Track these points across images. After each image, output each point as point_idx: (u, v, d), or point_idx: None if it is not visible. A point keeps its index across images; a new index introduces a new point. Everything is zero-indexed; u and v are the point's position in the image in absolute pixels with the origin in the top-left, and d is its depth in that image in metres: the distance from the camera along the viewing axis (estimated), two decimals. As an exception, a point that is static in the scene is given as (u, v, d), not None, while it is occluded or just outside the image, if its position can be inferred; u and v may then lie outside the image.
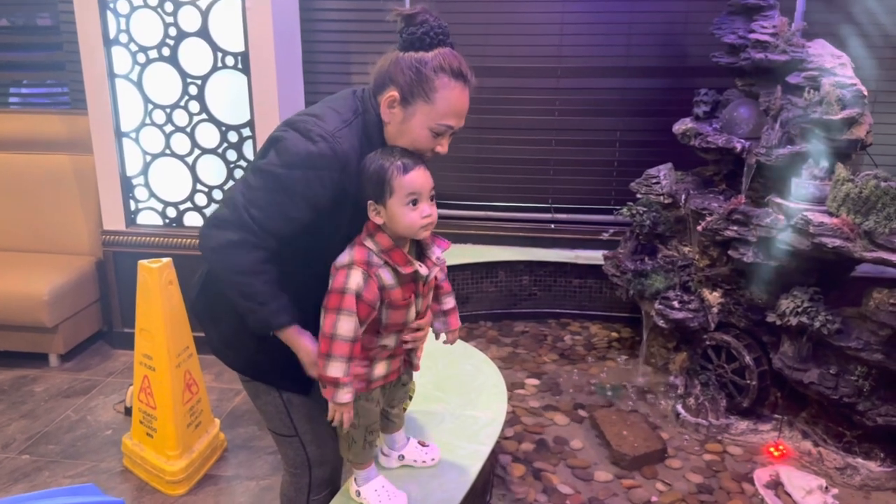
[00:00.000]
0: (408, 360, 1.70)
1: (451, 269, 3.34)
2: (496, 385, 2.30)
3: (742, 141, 2.66)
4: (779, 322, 2.45)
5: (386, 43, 3.84)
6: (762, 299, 2.60)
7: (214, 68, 3.23)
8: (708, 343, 2.73)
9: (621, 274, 3.02)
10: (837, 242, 2.26)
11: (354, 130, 1.49)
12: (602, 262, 3.17)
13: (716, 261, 2.77)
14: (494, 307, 3.54)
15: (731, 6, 2.83)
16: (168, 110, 3.32)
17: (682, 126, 2.91)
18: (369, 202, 1.49)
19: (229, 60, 3.22)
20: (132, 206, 3.50)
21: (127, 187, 3.46)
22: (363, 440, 1.66)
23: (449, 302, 1.71)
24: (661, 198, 2.98)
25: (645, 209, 2.98)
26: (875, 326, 2.30)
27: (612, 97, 3.54)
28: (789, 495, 2.30)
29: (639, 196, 3.05)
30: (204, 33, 3.19)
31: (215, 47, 3.20)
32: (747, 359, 2.59)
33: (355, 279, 1.48)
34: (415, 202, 1.47)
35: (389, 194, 1.46)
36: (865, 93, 2.46)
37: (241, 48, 3.18)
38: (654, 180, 3.00)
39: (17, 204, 3.72)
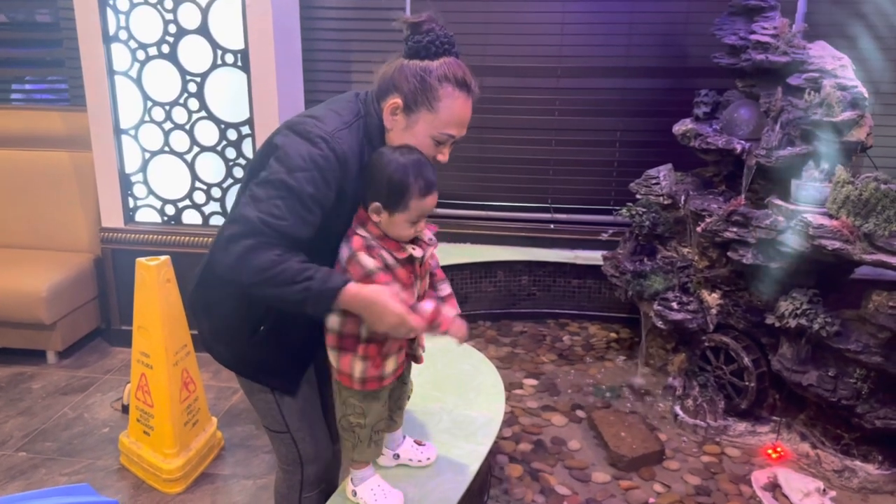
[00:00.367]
0: (410, 355, 1.70)
1: (450, 268, 3.34)
2: (494, 385, 2.30)
3: (742, 142, 2.66)
4: (778, 324, 2.45)
5: (385, 41, 3.86)
6: (761, 301, 2.59)
7: (214, 66, 3.23)
8: (707, 344, 2.73)
9: (620, 274, 3.02)
10: (837, 245, 2.25)
11: (354, 132, 1.49)
12: (601, 263, 3.17)
13: (715, 262, 2.77)
14: (493, 307, 3.54)
15: (731, 7, 2.82)
16: (167, 107, 3.32)
17: (682, 127, 2.91)
18: (374, 203, 1.49)
19: (229, 58, 3.21)
20: (131, 203, 3.49)
21: (126, 184, 3.45)
22: (369, 439, 1.66)
23: (445, 289, 1.72)
24: (661, 199, 2.97)
25: (644, 210, 2.97)
26: (874, 329, 2.29)
27: (613, 97, 3.53)
28: (787, 497, 2.29)
29: (638, 197, 3.04)
30: (204, 31, 3.18)
31: (215, 45, 3.20)
32: (746, 360, 2.59)
33: (367, 260, 1.49)
34: (416, 221, 1.51)
35: (402, 209, 1.48)
36: (866, 95, 2.45)
37: (241, 46, 3.18)
38: (654, 181, 3.00)
39: (15, 200, 3.71)
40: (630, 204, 3.04)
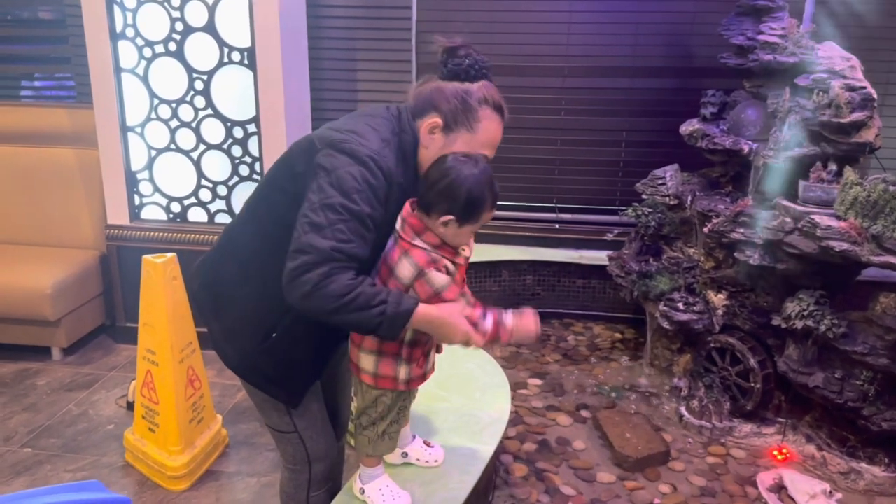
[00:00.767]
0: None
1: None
2: (499, 385, 2.29)
3: (750, 143, 2.65)
4: (784, 325, 2.44)
5: (391, 40, 3.85)
6: (768, 302, 2.59)
7: (220, 64, 3.23)
8: (712, 345, 2.72)
9: (626, 275, 3.01)
10: (845, 246, 2.25)
11: (392, 149, 1.50)
12: (606, 263, 3.17)
13: (721, 263, 2.76)
14: (498, 306, 3.52)
15: (739, 7, 2.82)
16: (174, 105, 3.32)
17: (689, 127, 2.90)
18: (448, 216, 1.48)
19: (235, 56, 3.21)
20: (136, 200, 3.49)
21: (131, 182, 3.46)
22: (384, 433, 1.66)
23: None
24: (667, 199, 2.97)
25: (650, 210, 2.97)
26: (881, 331, 2.29)
27: (619, 97, 3.53)
28: (793, 499, 2.29)
29: (644, 197, 3.04)
30: (210, 28, 3.18)
31: (222, 43, 3.20)
32: (752, 362, 2.58)
33: (439, 278, 1.49)
34: (478, 230, 1.55)
35: (473, 221, 1.50)
36: (875, 96, 2.44)
37: (248, 44, 3.18)
38: (660, 181, 2.99)
39: (21, 197, 3.72)
40: (636, 204, 3.03)
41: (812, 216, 2.34)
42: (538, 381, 2.98)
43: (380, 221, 1.47)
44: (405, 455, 1.83)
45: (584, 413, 2.77)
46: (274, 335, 1.59)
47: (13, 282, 3.33)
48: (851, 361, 2.35)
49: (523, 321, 1.56)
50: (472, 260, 3.13)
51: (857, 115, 2.40)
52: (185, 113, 3.32)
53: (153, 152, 3.41)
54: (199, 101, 3.29)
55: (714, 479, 2.42)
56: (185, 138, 3.36)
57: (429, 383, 2.24)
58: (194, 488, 2.56)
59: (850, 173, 2.33)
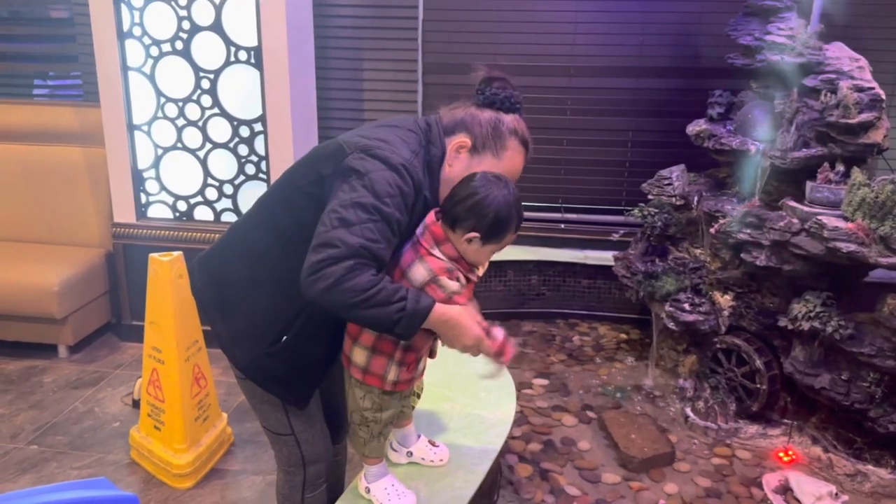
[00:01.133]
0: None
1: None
2: (504, 385, 2.29)
3: (756, 143, 2.64)
4: (790, 326, 2.44)
5: (397, 39, 3.85)
6: (774, 303, 2.58)
7: (227, 63, 3.23)
8: (718, 346, 2.72)
9: (631, 275, 3.01)
10: (852, 247, 2.24)
11: (420, 161, 1.52)
12: (611, 263, 3.16)
13: (728, 263, 2.75)
14: (503, 306, 3.53)
15: (747, 7, 2.81)
16: (180, 104, 3.33)
17: (695, 127, 2.89)
18: (474, 233, 1.50)
19: (242, 55, 3.22)
20: (143, 199, 3.50)
21: (138, 180, 3.47)
22: (381, 435, 1.67)
23: None
24: (673, 199, 2.96)
25: (656, 210, 2.96)
26: (888, 332, 2.28)
27: (625, 97, 3.52)
28: (798, 501, 2.28)
29: (650, 197, 3.03)
30: (217, 27, 3.19)
31: (228, 42, 3.20)
32: (758, 363, 2.58)
33: (450, 284, 1.51)
34: (499, 250, 1.57)
35: (496, 241, 1.53)
36: (883, 96, 2.43)
37: (255, 43, 3.18)
38: (667, 181, 2.99)
39: (28, 195, 3.73)
40: (642, 204, 3.02)
41: (819, 217, 2.33)
42: (543, 382, 2.98)
43: (403, 229, 1.49)
44: (410, 454, 1.83)
45: (590, 413, 2.76)
46: (285, 338, 1.59)
47: (20, 279, 3.34)
48: (858, 363, 2.34)
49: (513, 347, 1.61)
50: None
51: (866, 116, 2.39)
52: (192, 112, 3.33)
53: (160, 151, 3.41)
54: (206, 100, 3.30)
55: (719, 480, 2.42)
56: (192, 137, 3.37)
57: (434, 383, 2.25)
58: (199, 486, 2.57)
59: (857, 174, 2.32)
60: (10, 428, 2.88)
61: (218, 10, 3.16)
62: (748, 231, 2.56)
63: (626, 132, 3.57)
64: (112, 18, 3.22)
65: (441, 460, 1.84)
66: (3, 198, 3.75)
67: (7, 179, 3.74)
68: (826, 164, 2.45)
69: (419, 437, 1.85)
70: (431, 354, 1.73)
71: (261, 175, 3.37)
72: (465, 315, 1.50)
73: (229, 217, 3.46)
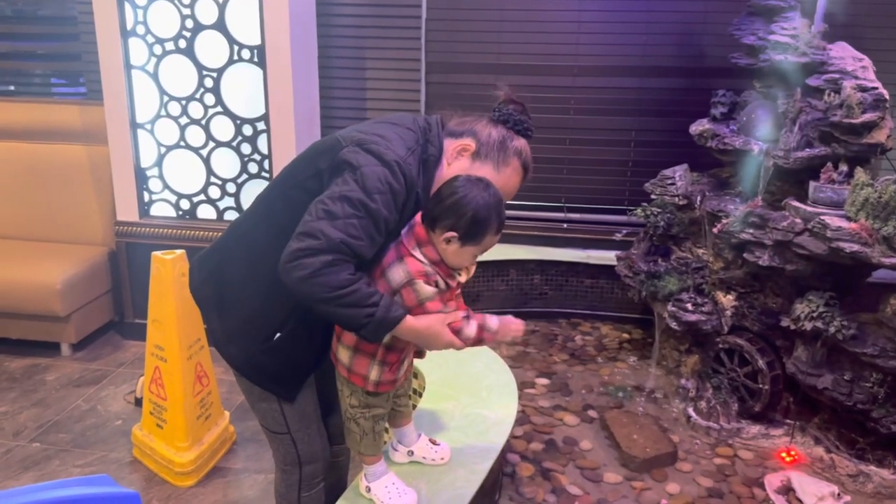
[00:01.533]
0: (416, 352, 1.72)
1: (463, 266, 3.33)
2: (506, 384, 2.29)
3: (760, 143, 2.64)
4: (793, 326, 2.43)
5: (401, 38, 3.84)
6: (776, 303, 2.58)
7: (230, 61, 3.24)
8: (721, 346, 2.71)
9: (634, 275, 3.00)
10: (855, 247, 2.23)
11: (415, 158, 1.52)
12: (614, 263, 3.16)
13: (730, 263, 2.75)
14: (505, 306, 3.53)
15: (750, 7, 2.80)
16: (183, 102, 3.33)
17: (699, 127, 2.89)
18: (451, 233, 1.49)
19: (245, 54, 3.22)
20: (146, 197, 3.51)
21: (141, 179, 3.47)
22: (372, 431, 1.67)
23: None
24: (676, 199, 2.96)
25: (659, 210, 2.96)
26: (891, 333, 2.27)
27: (628, 97, 3.52)
28: (800, 501, 2.28)
29: (653, 197, 3.03)
30: (220, 26, 3.19)
31: (231, 40, 3.21)
32: (760, 363, 2.57)
33: (426, 289, 1.50)
34: (480, 254, 1.57)
35: (475, 243, 1.51)
36: (887, 96, 2.43)
37: (258, 41, 3.19)
38: (670, 181, 2.98)
39: (31, 193, 3.74)
40: (645, 204, 3.02)
41: (822, 217, 2.32)
42: (545, 381, 2.98)
43: (391, 227, 1.49)
44: (411, 453, 1.83)
45: (591, 413, 2.76)
46: (278, 335, 1.59)
47: (23, 277, 3.35)
48: (861, 363, 2.34)
49: (506, 321, 1.63)
50: (479, 259, 3.16)
51: (869, 116, 2.39)
52: (195, 110, 3.33)
53: (163, 149, 3.42)
54: (209, 99, 3.30)
55: (721, 480, 2.41)
56: (195, 135, 3.37)
57: (436, 383, 2.25)
58: (201, 484, 2.57)
59: (860, 174, 2.32)
60: (13, 425, 2.89)
61: (221, 8, 3.16)
62: (751, 231, 2.56)
63: (630, 132, 3.56)
64: (115, 17, 3.22)
65: (442, 459, 1.84)
66: (7, 196, 3.76)
67: (10, 177, 3.74)
68: (829, 164, 2.44)
69: (420, 435, 1.85)
70: (420, 355, 1.73)
71: (264, 174, 3.38)
72: (433, 325, 1.51)
73: (232, 215, 3.47)
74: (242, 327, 1.63)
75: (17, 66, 4.06)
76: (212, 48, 3.23)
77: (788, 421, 2.62)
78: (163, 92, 3.33)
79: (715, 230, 2.69)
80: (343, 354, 1.61)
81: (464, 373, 2.34)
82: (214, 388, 2.71)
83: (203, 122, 3.34)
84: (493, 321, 1.60)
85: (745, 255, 2.60)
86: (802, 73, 2.57)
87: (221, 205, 3.47)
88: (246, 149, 3.36)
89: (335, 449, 1.91)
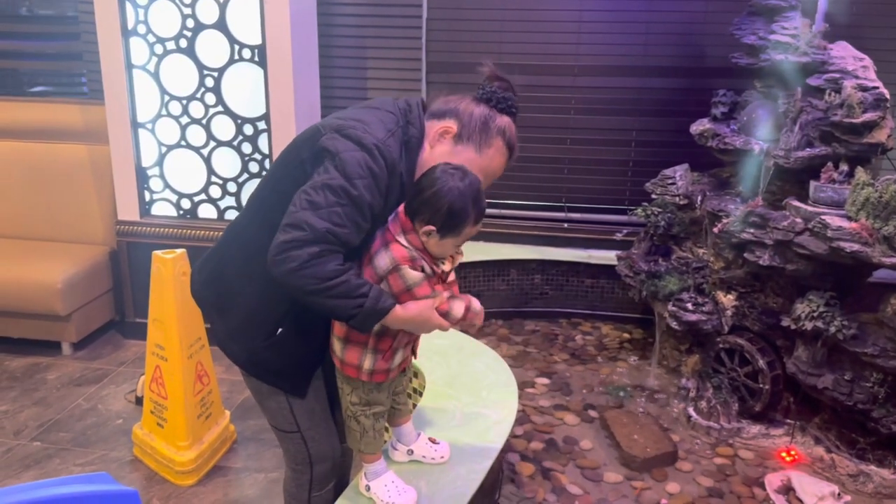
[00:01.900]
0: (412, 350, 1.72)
1: (463, 266, 3.32)
2: (507, 383, 2.29)
3: (760, 143, 2.64)
4: (794, 326, 2.43)
5: (402, 38, 3.84)
6: (777, 303, 2.58)
7: (231, 61, 3.24)
8: (721, 346, 2.71)
9: (635, 275, 3.00)
10: (856, 247, 2.23)
11: (396, 141, 1.52)
12: (615, 263, 3.16)
13: (731, 263, 2.75)
14: (506, 305, 3.53)
15: (751, 7, 2.80)
16: (184, 102, 3.33)
17: (699, 127, 2.89)
18: (429, 226, 1.49)
19: (246, 53, 3.22)
20: (147, 196, 3.51)
21: (142, 178, 3.47)
22: (372, 429, 1.67)
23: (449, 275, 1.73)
24: (677, 199, 2.96)
25: (660, 210, 2.96)
26: (892, 333, 2.27)
27: (629, 96, 3.52)
28: (801, 501, 2.28)
29: (654, 197, 3.03)
30: (221, 25, 3.19)
31: (232, 40, 3.21)
32: (761, 363, 2.57)
33: (412, 274, 1.50)
34: (462, 244, 1.56)
35: (454, 235, 1.51)
36: (887, 96, 2.43)
37: (258, 41, 3.19)
38: (670, 181, 2.98)
39: (32, 192, 3.74)
40: (645, 204, 3.02)
41: (823, 217, 2.32)
42: (546, 381, 2.98)
43: (377, 212, 1.49)
44: (411, 452, 1.83)
45: (592, 413, 2.76)
46: (280, 330, 1.60)
47: (24, 277, 3.36)
48: (861, 363, 2.34)
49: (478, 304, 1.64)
50: (480, 259, 3.15)
51: (870, 116, 2.38)
52: (196, 110, 3.33)
53: (164, 149, 3.42)
54: (210, 98, 3.30)
55: (722, 480, 2.41)
56: (196, 135, 3.37)
57: (437, 382, 2.25)
58: (202, 483, 2.57)
59: (861, 174, 2.31)
60: (14, 424, 2.89)
61: (222, 8, 3.16)
62: (751, 231, 2.56)
63: (630, 131, 3.56)
64: (116, 16, 3.23)
65: (442, 458, 1.84)
66: (8, 195, 3.76)
67: (11, 177, 3.75)
68: (830, 164, 2.44)
69: (419, 434, 1.85)
70: (414, 353, 1.73)
71: (264, 173, 3.37)
72: (423, 312, 1.51)
73: (233, 215, 3.47)
74: (243, 325, 1.63)
75: (18, 65, 4.06)
76: (213, 48, 3.24)
77: (789, 421, 2.62)
78: (164, 91, 3.33)
79: (715, 230, 2.69)
80: (336, 346, 1.62)
81: (464, 372, 2.34)
82: (215, 387, 2.71)
83: (204, 121, 3.34)
84: (476, 302, 1.62)
85: (745, 254, 2.60)
86: (803, 73, 2.57)
87: (222, 204, 3.47)
88: (247, 148, 3.36)
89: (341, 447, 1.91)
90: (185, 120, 3.36)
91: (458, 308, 1.56)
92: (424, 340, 1.74)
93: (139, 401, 2.95)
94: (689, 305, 2.76)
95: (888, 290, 2.36)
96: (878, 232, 2.21)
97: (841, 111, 2.41)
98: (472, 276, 3.44)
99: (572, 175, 3.65)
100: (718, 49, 3.25)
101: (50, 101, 3.93)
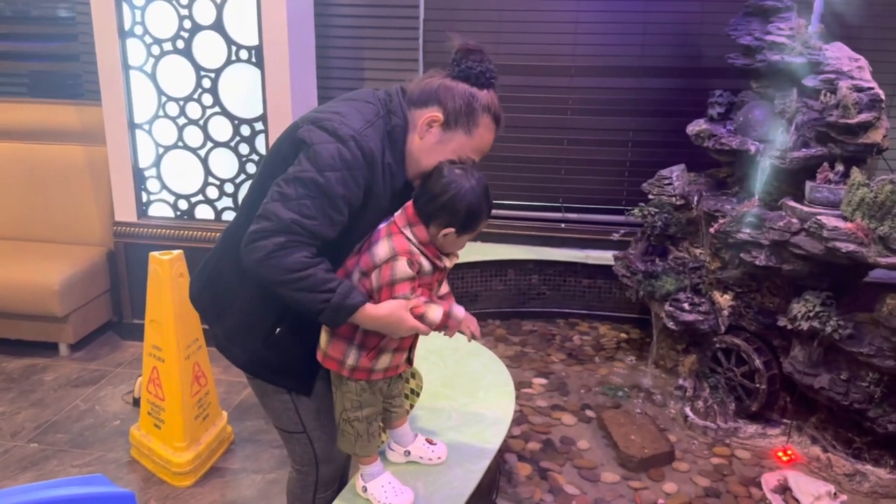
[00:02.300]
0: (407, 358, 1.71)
1: (460, 266, 3.33)
2: (504, 384, 2.29)
3: (756, 143, 2.64)
4: (790, 326, 2.44)
5: (399, 38, 3.84)
6: (773, 303, 2.58)
7: (228, 62, 3.24)
8: (718, 346, 2.72)
9: (631, 275, 3.01)
10: (851, 247, 2.24)
11: (377, 131, 1.51)
12: (612, 263, 3.16)
13: (727, 263, 2.75)
14: (503, 306, 3.53)
15: (747, 7, 2.81)
16: (181, 103, 3.33)
17: (696, 127, 2.89)
18: (448, 229, 1.51)
19: (243, 54, 3.22)
20: (144, 197, 3.51)
21: (139, 179, 3.47)
22: (366, 432, 1.67)
23: (443, 287, 1.73)
24: (674, 199, 2.96)
25: (657, 210, 2.96)
26: (888, 332, 2.28)
27: (626, 97, 3.52)
28: (797, 501, 2.28)
29: (651, 197, 3.03)
30: (218, 26, 3.19)
31: (229, 41, 3.21)
32: (757, 362, 2.58)
33: (403, 269, 1.51)
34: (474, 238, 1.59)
35: (470, 231, 1.54)
36: (883, 96, 2.43)
37: (255, 42, 3.19)
38: (667, 181, 2.99)
39: (29, 194, 3.74)
40: (642, 204, 3.03)
41: (819, 217, 2.33)
42: (543, 381, 2.98)
43: (355, 203, 1.48)
44: (408, 453, 1.83)
45: (589, 413, 2.77)
46: (279, 329, 1.60)
47: (21, 278, 3.35)
48: (857, 363, 2.34)
49: (469, 316, 1.64)
50: (478, 259, 3.17)
51: (865, 116, 2.39)
52: (193, 110, 3.33)
53: (161, 150, 3.42)
54: (207, 99, 3.30)
55: (718, 479, 2.42)
56: (193, 136, 3.37)
57: (434, 382, 2.25)
58: (199, 484, 2.57)
59: (857, 174, 2.32)
60: (11, 426, 2.89)
61: (219, 8, 3.16)
62: (748, 231, 2.56)
63: (627, 132, 3.57)
64: (113, 17, 3.22)
65: (439, 458, 1.84)
66: (5, 196, 3.76)
67: (8, 178, 3.74)
68: (825, 164, 2.45)
69: (416, 435, 1.85)
70: (409, 360, 1.72)
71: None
72: (395, 312, 1.49)
73: (230, 216, 3.47)
74: (241, 326, 1.63)
75: (15, 66, 4.06)
76: (210, 49, 3.24)
77: (785, 420, 2.62)
78: (161, 92, 3.33)
79: (712, 230, 2.70)
80: (322, 338, 1.62)
81: (461, 373, 2.35)
82: (212, 388, 2.71)
83: (201, 122, 3.34)
84: (459, 310, 1.63)
85: (741, 254, 2.61)
86: (799, 74, 2.58)
87: (219, 205, 3.47)
88: (244, 149, 3.36)
89: None
90: (182, 121, 3.36)
91: (433, 312, 1.54)
92: (421, 341, 1.73)
93: (136, 402, 2.95)
94: (686, 305, 2.76)
95: (884, 290, 2.37)
96: (874, 232, 2.22)
97: (836, 112, 2.42)
98: (470, 277, 3.45)
99: (569, 175, 3.66)
100: (715, 50, 3.25)
101: (47, 102, 3.92)
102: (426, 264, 1.55)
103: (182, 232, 3.45)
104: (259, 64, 3.21)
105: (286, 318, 1.59)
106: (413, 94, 1.56)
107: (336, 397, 1.67)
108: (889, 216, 2.20)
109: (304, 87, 3.39)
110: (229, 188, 3.43)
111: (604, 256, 3.37)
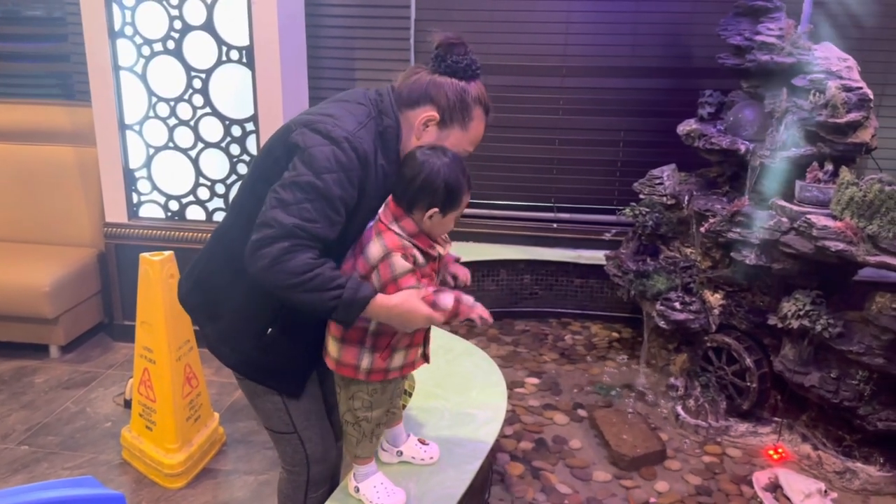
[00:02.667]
0: (423, 354, 1.71)
1: (453, 266, 3.33)
2: (496, 383, 2.30)
3: (746, 143, 2.66)
4: (780, 325, 2.45)
5: (390, 39, 3.83)
6: (764, 302, 2.59)
7: (219, 62, 3.23)
8: (709, 345, 2.73)
9: (623, 274, 3.02)
10: (841, 246, 2.25)
11: (369, 132, 1.51)
12: (604, 263, 3.17)
13: (718, 262, 2.77)
14: (495, 306, 3.53)
15: (737, 8, 2.82)
16: (172, 103, 3.32)
17: (686, 127, 2.90)
18: (433, 209, 1.51)
19: (234, 54, 3.21)
20: (134, 198, 3.49)
21: (130, 180, 3.46)
22: (372, 433, 1.67)
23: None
24: (664, 198, 2.97)
25: (648, 210, 2.97)
26: (877, 331, 2.29)
27: (617, 97, 3.53)
28: (788, 498, 2.29)
29: (642, 196, 3.04)
30: (209, 27, 3.18)
31: (220, 41, 3.20)
32: (748, 361, 2.59)
33: (401, 263, 1.50)
34: (460, 214, 1.58)
35: (454, 208, 1.54)
36: (871, 96, 2.45)
37: (246, 42, 3.18)
38: (658, 181, 3.00)
39: (20, 195, 3.72)
40: (633, 204, 3.04)
41: (808, 216, 2.34)
42: (535, 380, 2.99)
43: (351, 204, 1.48)
44: (400, 454, 1.83)
45: (581, 412, 2.77)
46: (270, 330, 1.59)
47: (11, 279, 3.33)
48: (847, 361, 2.36)
49: (478, 305, 1.61)
50: (470, 259, 3.15)
51: (854, 116, 2.41)
52: (184, 111, 3.32)
53: (151, 150, 3.41)
54: (198, 100, 3.29)
55: (710, 478, 2.43)
56: (184, 136, 3.36)
57: (426, 382, 2.25)
58: (191, 486, 2.56)
59: (846, 173, 2.34)
60: (2, 428, 2.88)
61: (209, 9, 3.15)
62: (738, 230, 2.57)
63: (618, 132, 3.58)
64: (103, 18, 3.21)
65: (431, 458, 1.84)
66: (-6, 198, 3.74)
67: (-2, 179, 3.73)
68: (815, 164, 2.46)
69: (409, 436, 1.86)
70: (426, 359, 1.72)
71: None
72: (407, 300, 1.47)
73: (221, 217, 3.45)
74: (232, 327, 1.63)
75: (4, 66, 4.04)
76: (200, 49, 3.23)
77: (776, 419, 2.64)
78: (151, 93, 3.32)
79: (703, 229, 2.71)
80: (332, 347, 1.61)
81: (454, 372, 2.35)
82: (204, 389, 2.71)
83: (191, 123, 3.33)
84: (467, 297, 1.61)
85: (732, 254, 2.62)
86: (788, 74, 2.59)
87: (210, 206, 3.46)
88: (235, 150, 3.35)
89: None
90: (172, 121, 3.35)
91: (445, 298, 1.52)
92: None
93: (128, 404, 2.94)
94: (677, 304, 2.77)
95: (873, 289, 2.38)
96: (863, 231, 2.24)
97: (825, 111, 2.43)
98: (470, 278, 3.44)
99: (561, 175, 3.67)
100: (705, 50, 3.27)
101: (37, 102, 3.90)
102: (420, 257, 1.54)
103: (173, 233, 3.44)
104: (250, 64, 3.20)
105: (278, 319, 1.59)
106: (402, 95, 1.56)
107: (341, 398, 1.67)
108: (878, 215, 2.21)
109: (295, 87, 3.38)
110: (220, 189, 3.42)
111: (595, 256, 3.37)
